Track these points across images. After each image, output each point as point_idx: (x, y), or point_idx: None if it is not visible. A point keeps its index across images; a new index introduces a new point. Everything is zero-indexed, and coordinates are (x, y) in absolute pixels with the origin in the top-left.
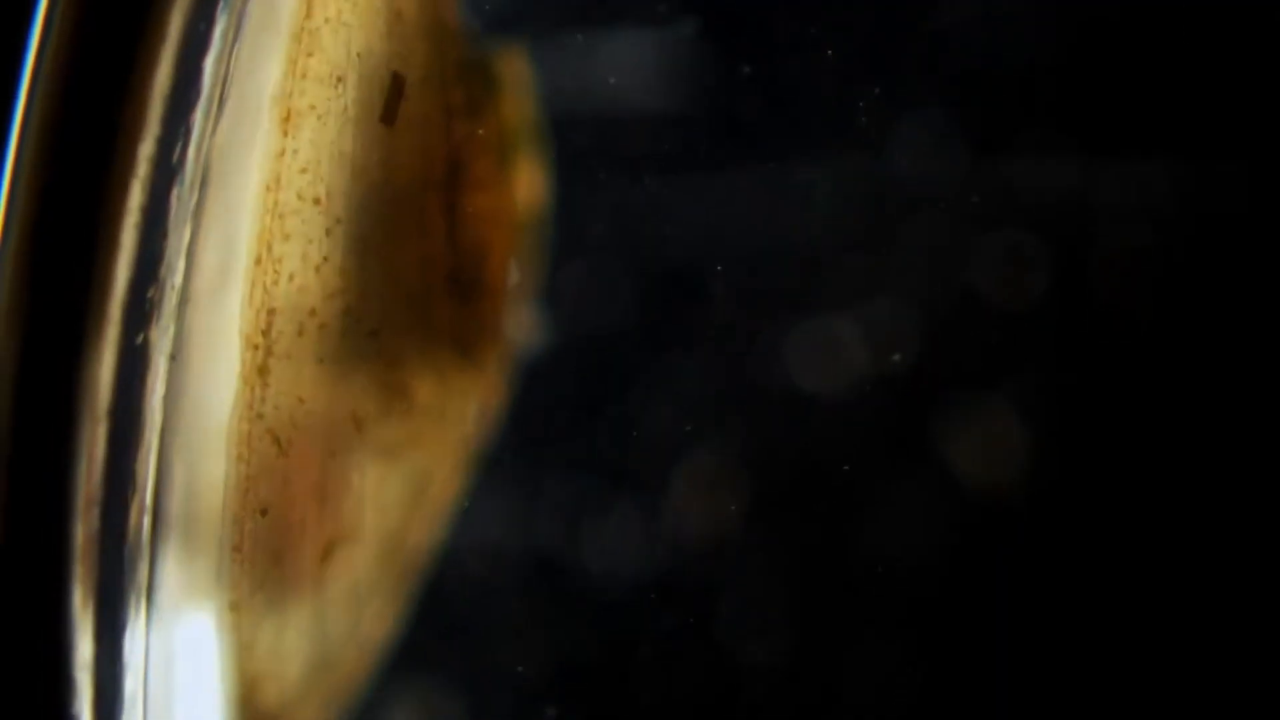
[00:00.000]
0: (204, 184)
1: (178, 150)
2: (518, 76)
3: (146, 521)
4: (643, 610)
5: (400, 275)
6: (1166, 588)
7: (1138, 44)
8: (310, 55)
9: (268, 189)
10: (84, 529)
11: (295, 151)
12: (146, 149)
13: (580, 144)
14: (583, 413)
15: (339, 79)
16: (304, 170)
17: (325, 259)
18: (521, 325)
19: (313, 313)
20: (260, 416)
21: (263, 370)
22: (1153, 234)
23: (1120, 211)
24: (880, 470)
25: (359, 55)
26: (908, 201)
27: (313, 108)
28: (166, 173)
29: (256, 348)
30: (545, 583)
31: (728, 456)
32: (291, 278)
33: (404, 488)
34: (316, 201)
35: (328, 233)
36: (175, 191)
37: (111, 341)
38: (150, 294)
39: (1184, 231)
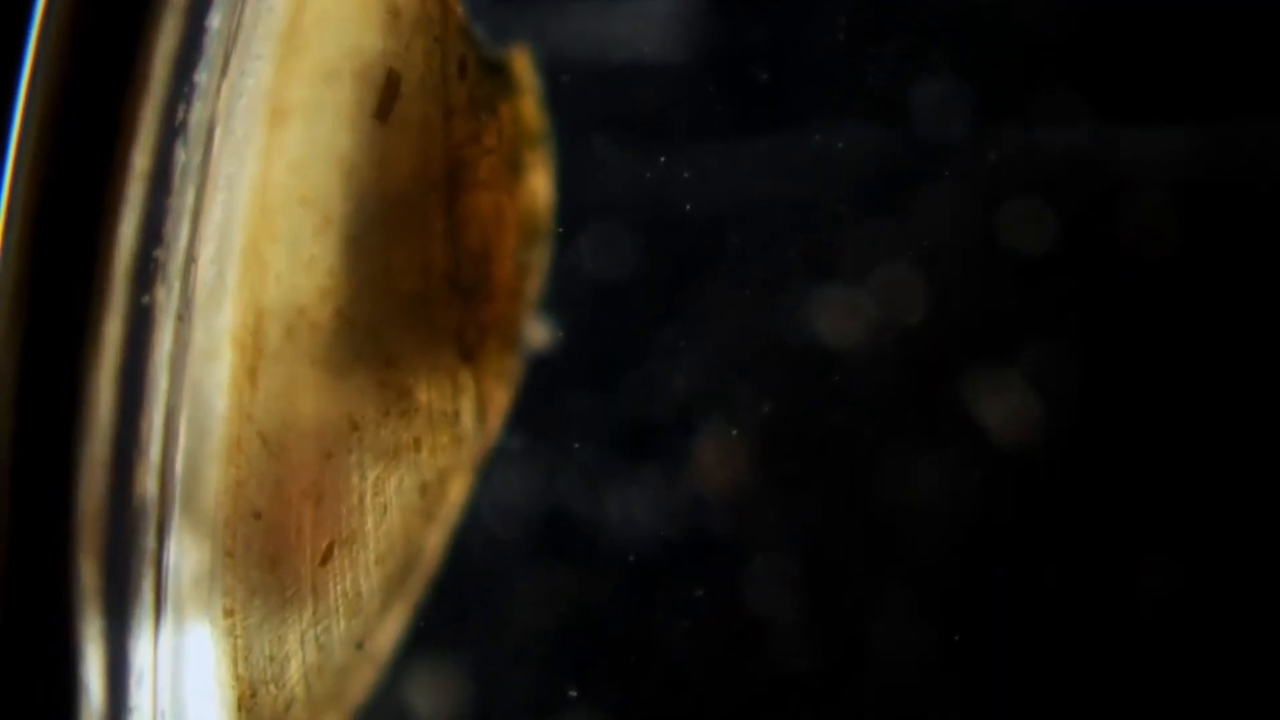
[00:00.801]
0: (208, 145)
1: (181, 111)
2: (525, 74)
3: (153, 483)
4: (664, 573)
5: (396, 276)
6: (1186, 545)
7: (1152, 6)
8: (298, 52)
9: (253, 188)
10: (91, 492)
11: (282, 150)
12: (151, 108)
13: (591, 111)
14: (601, 377)
15: (329, 76)
16: (291, 169)
17: (314, 259)
18: (531, 326)
19: (302, 313)
20: (250, 418)
21: (252, 371)
22: (1170, 195)
23: (1137, 173)
24: (900, 429)
25: (350, 53)
26: (922, 164)
27: (300, 106)
28: (170, 133)
29: (245, 348)
30: (564, 549)
31: (746, 418)
32: (279, 278)
33: (409, 489)
34: (305, 201)
35: (317, 232)
36: (179, 152)
37: (118, 302)
38: (156, 254)
39: (1201, 193)
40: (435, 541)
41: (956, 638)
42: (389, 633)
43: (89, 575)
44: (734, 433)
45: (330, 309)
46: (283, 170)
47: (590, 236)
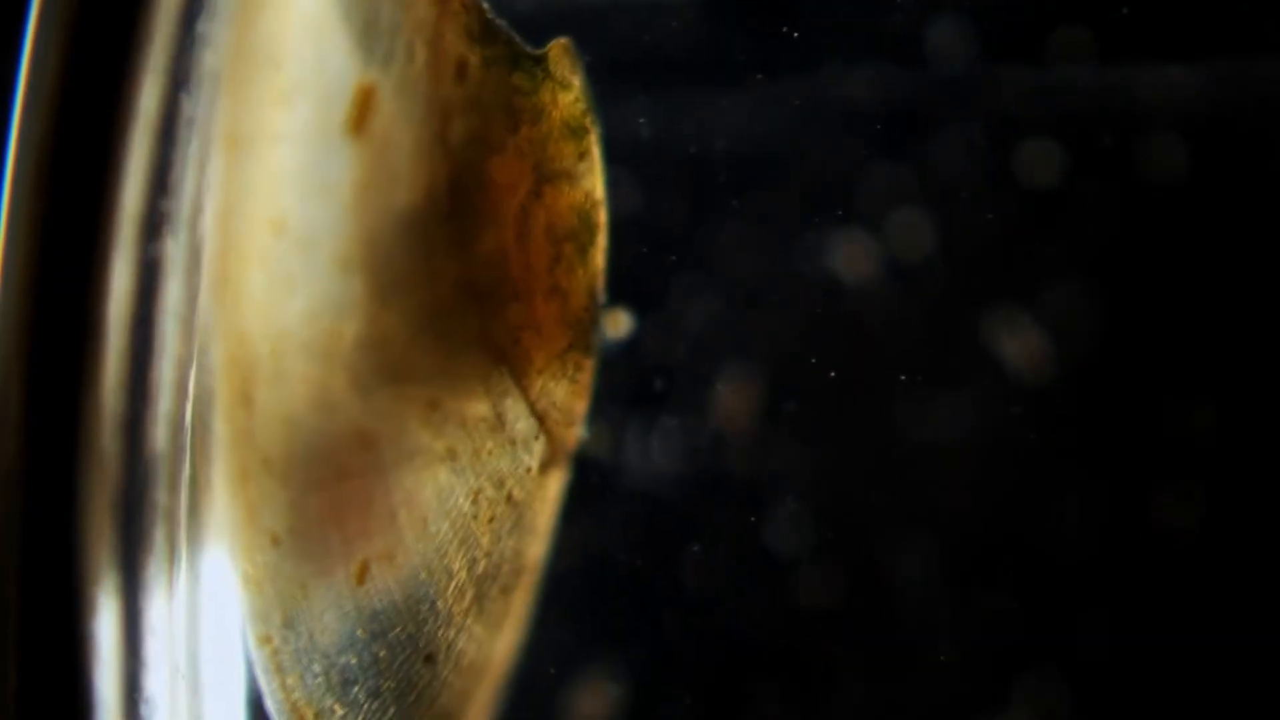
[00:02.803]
0: (213, 94)
1: (186, 60)
2: (564, 71)
3: (165, 436)
4: (683, 516)
5: (395, 288)
6: (1207, 478)
7: None
8: (250, 77)
9: (217, 214)
10: (102, 445)
11: (241, 176)
12: (155, 58)
13: (607, 54)
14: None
15: (285, 97)
16: (254, 193)
17: (292, 280)
18: (585, 323)
19: (286, 335)
20: (251, 444)
21: (244, 396)
22: (1185, 132)
23: (1151, 110)
24: (918, 368)
25: (311, 70)
26: (937, 105)
27: (257, 130)
28: (174, 80)
29: (231, 375)
30: (584, 493)
31: (765, 360)
32: (257, 301)
33: (456, 499)
34: (274, 223)
35: (291, 253)
36: (183, 100)
37: (126, 253)
38: (163, 205)
39: (1216, 129)
40: (522, 548)
41: (973, 565)
42: (491, 649)
43: (101, 529)
44: (757, 368)
45: (320, 329)
46: (244, 196)
47: (607, 180)
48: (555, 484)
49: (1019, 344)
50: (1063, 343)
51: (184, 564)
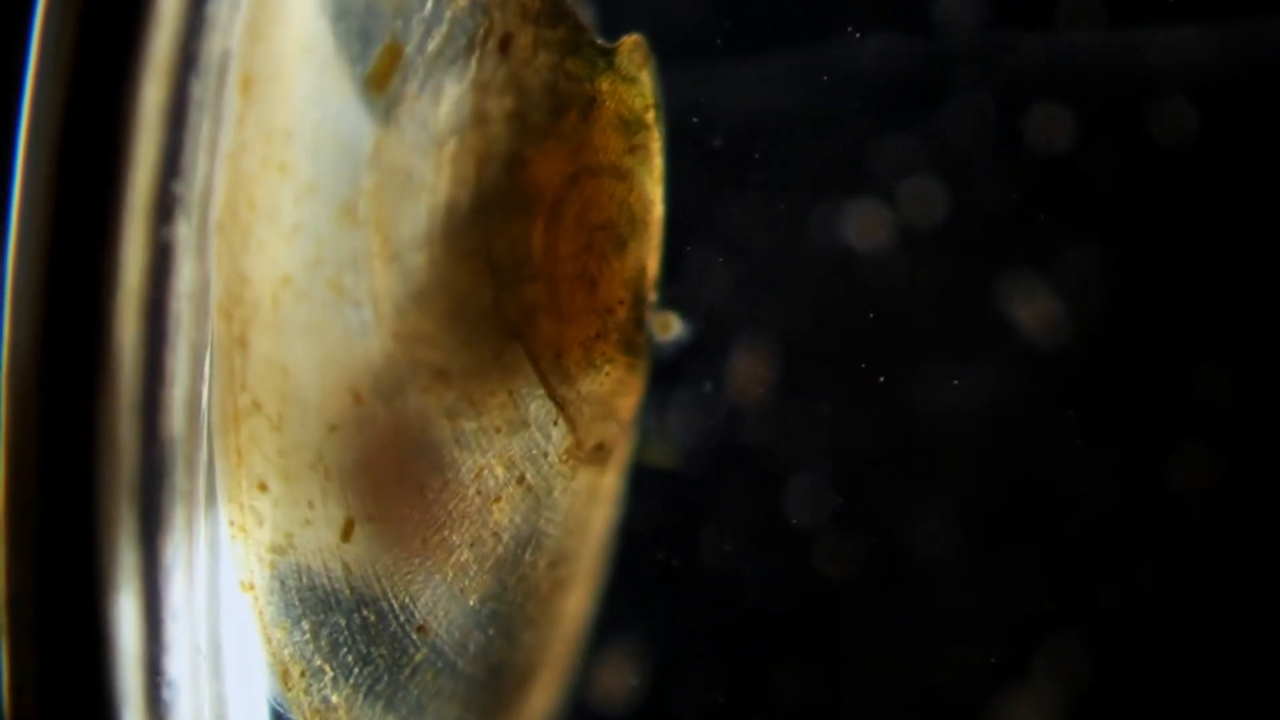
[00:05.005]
0: (221, 77)
1: (194, 43)
2: (630, 64)
3: (181, 420)
4: (700, 488)
5: (402, 247)
6: (1222, 441)
7: None
8: (273, 20)
9: (228, 154)
10: (119, 430)
11: (256, 118)
12: (164, 41)
13: (615, 26)
14: None
15: (308, 48)
16: (267, 137)
17: (298, 227)
18: (621, 317)
19: (287, 282)
20: (244, 388)
21: (241, 341)
22: (1200, 97)
23: (1159, 75)
24: (931, 337)
25: (338, 19)
26: (946, 72)
27: (276, 75)
28: (185, 65)
29: (231, 317)
30: None
31: (783, 329)
32: (262, 245)
33: (457, 474)
34: (283, 168)
35: (299, 200)
36: (194, 84)
37: (138, 237)
38: (175, 188)
39: (1231, 94)
40: (541, 536)
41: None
42: (511, 641)
43: (119, 513)
44: (771, 340)
45: (321, 278)
46: (256, 138)
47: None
48: (596, 480)
49: (1034, 311)
50: (1077, 309)
51: (203, 546)
